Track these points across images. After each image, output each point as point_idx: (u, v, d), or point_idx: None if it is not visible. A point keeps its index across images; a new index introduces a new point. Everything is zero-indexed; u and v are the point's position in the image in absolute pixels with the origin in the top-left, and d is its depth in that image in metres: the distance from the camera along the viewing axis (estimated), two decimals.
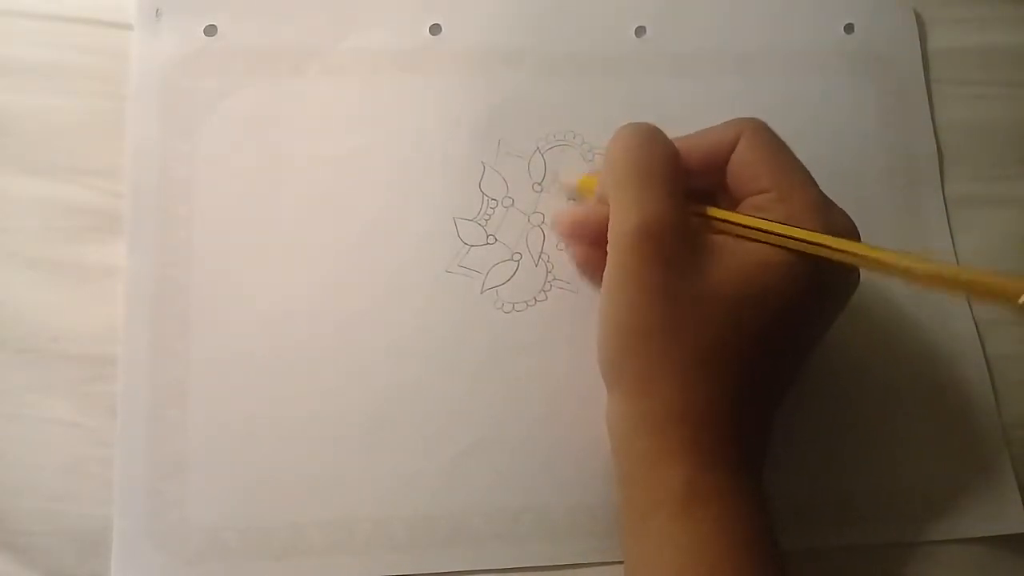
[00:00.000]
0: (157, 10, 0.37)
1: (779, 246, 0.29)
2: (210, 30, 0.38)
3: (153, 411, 0.33)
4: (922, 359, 0.36)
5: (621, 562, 0.32)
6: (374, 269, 0.35)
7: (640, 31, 0.40)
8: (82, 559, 0.32)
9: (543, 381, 0.35)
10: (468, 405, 0.34)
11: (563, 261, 0.36)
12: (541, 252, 0.36)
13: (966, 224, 0.39)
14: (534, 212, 0.37)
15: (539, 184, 0.37)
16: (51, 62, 0.37)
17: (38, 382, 0.34)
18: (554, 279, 0.36)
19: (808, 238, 0.28)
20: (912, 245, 0.38)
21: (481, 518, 0.33)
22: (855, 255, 0.28)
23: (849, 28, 0.40)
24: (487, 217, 0.36)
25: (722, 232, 0.30)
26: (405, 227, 0.36)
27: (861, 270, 0.30)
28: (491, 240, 0.36)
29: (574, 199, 0.37)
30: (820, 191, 0.30)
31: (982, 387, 0.36)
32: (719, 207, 0.30)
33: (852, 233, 0.30)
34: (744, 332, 0.28)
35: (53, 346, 0.34)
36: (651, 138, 0.31)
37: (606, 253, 0.30)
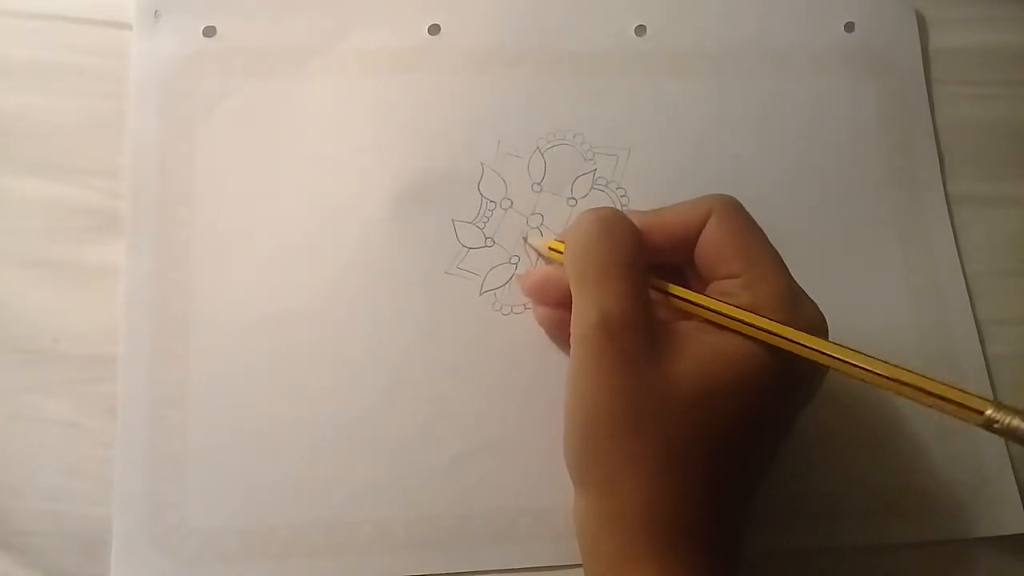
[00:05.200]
0: (156, 11, 0.37)
1: (742, 334, 0.28)
2: (209, 31, 0.38)
3: (153, 412, 0.33)
4: (922, 359, 0.36)
5: None
6: (373, 271, 0.35)
7: (640, 30, 0.39)
8: (82, 559, 0.32)
9: (542, 382, 0.35)
10: (467, 407, 0.34)
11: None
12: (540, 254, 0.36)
13: (967, 223, 0.39)
14: (533, 213, 0.37)
15: (539, 184, 0.37)
16: (51, 62, 0.37)
17: (38, 382, 0.34)
18: None
19: (770, 328, 0.27)
20: (914, 245, 0.38)
21: (480, 519, 0.33)
22: (818, 352, 0.27)
23: (849, 27, 0.40)
24: (486, 219, 0.36)
25: (686, 314, 0.29)
26: (404, 229, 0.36)
27: None
28: (490, 242, 0.36)
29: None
30: (790, 280, 0.29)
31: (982, 387, 0.36)
32: (687, 286, 0.30)
33: (820, 326, 0.29)
34: (710, 427, 0.27)
35: (53, 346, 0.34)
36: (610, 227, 0.30)
37: (569, 318, 0.30)
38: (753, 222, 0.30)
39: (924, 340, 0.37)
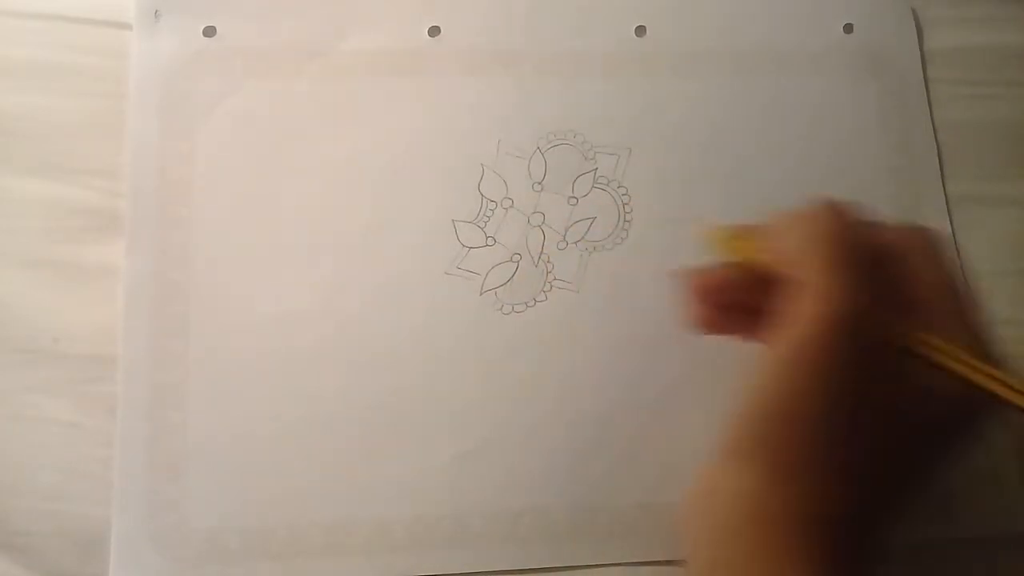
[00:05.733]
0: (156, 11, 0.38)
1: (973, 383, 0.27)
2: (209, 31, 0.38)
3: (152, 412, 0.33)
4: None
5: (621, 563, 0.32)
6: (373, 271, 0.35)
7: (640, 31, 0.40)
8: (81, 559, 0.32)
9: (543, 382, 0.35)
10: (468, 406, 0.34)
11: (563, 261, 0.36)
12: (541, 252, 0.36)
13: (967, 224, 0.39)
14: (534, 212, 0.37)
15: (539, 183, 0.37)
16: (51, 62, 0.37)
17: (38, 382, 0.34)
18: (554, 279, 0.36)
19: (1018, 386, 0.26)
20: None
21: (481, 519, 0.33)
22: None
23: (848, 28, 0.40)
24: (486, 219, 0.36)
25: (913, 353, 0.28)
26: (404, 229, 0.36)
27: None
28: (490, 242, 0.36)
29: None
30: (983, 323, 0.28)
31: None
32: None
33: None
34: (915, 455, 0.27)
35: (53, 346, 0.34)
36: (853, 222, 0.28)
37: (734, 318, 0.29)
38: (954, 262, 0.29)
39: None
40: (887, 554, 0.28)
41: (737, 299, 0.30)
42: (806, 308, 0.26)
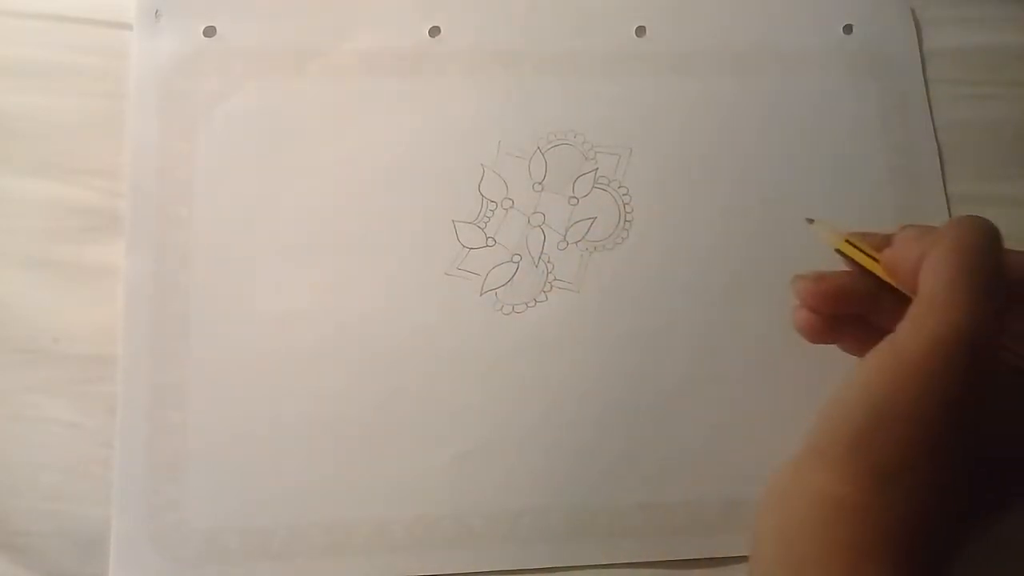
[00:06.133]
0: (156, 11, 0.38)
1: None
2: (209, 31, 0.38)
3: (153, 412, 0.33)
4: None
5: (622, 564, 0.32)
6: (373, 271, 0.35)
7: (640, 31, 0.40)
8: (81, 559, 0.32)
9: (543, 382, 0.35)
10: (468, 407, 0.34)
11: (563, 261, 0.36)
12: (541, 253, 0.36)
13: None
14: (534, 212, 0.37)
15: (540, 184, 0.37)
16: (51, 62, 0.37)
17: (38, 382, 0.34)
18: (554, 279, 0.36)
19: None
20: None
21: (481, 519, 0.33)
22: None
23: (848, 28, 0.40)
24: (487, 219, 0.36)
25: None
26: (404, 229, 0.36)
27: None
28: (490, 242, 0.36)
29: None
30: None
31: None
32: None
33: None
34: (1002, 476, 0.27)
35: (53, 346, 0.34)
36: (997, 243, 0.28)
37: (842, 327, 0.29)
38: None
39: None
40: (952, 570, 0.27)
41: (850, 309, 0.30)
42: (930, 318, 0.26)
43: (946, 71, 0.41)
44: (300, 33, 0.38)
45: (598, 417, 0.34)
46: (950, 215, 0.39)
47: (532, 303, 0.35)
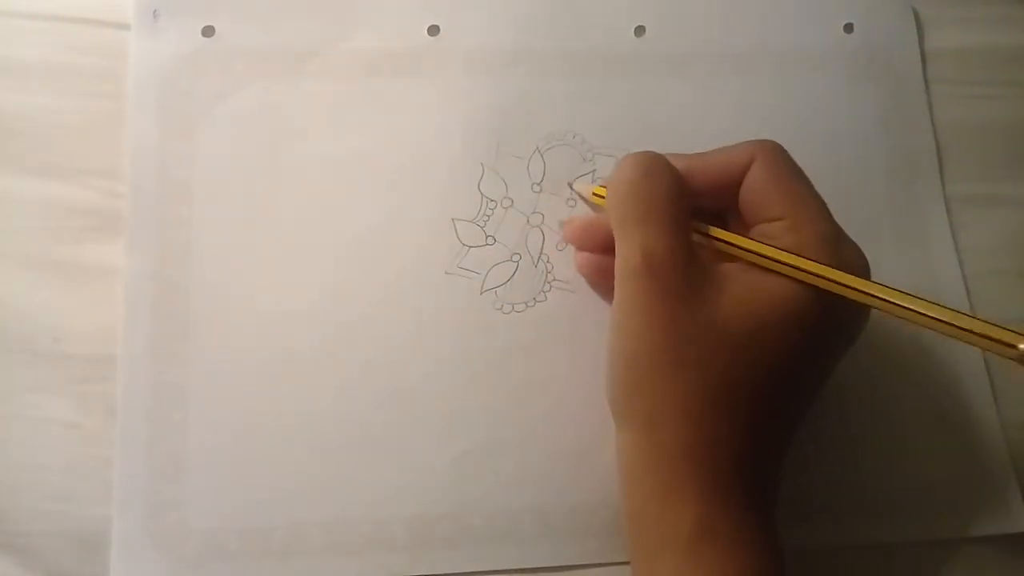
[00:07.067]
0: (155, 11, 0.37)
1: (786, 276, 0.28)
2: (208, 31, 0.38)
3: (153, 411, 0.33)
4: (922, 359, 0.36)
5: (622, 563, 0.32)
6: (373, 270, 0.35)
7: (640, 31, 0.39)
8: (82, 559, 0.32)
9: (543, 382, 0.35)
10: (468, 406, 0.34)
11: (563, 261, 0.36)
12: (541, 253, 0.36)
13: (966, 224, 0.39)
14: (533, 212, 0.37)
15: (538, 184, 0.37)
16: (51, 62, 0.37)
17: (38, 382, 0.34)
18: (554, 279, 0.36)
19: (816, 270, 0.28)
20: (912, 245, 0.38)
21: (481, 519, 0.33)
22: (862, 292, 0.27)
23: (848, 28, 0.40)
24: (486, 218, 0.36)
25: (729, 256, 0.30)
26: (404, 228, 0.36)
27: None
28: (490, 241, 0.36)
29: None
30: (834, 223, 0.30)
31: (982, 387, 0.36)
32: (730, 230, 0.30)
33: (863, 269, 0.29)
34: (754, 366, 0.28)
35: (53, 346, 0.34)
36: (652, 169, 0.30)
37: (611, 264, 0.30)
38: (796, 167, 0.31)
39: (924, 341, 0.37)
40: (777, 484, 0.30)
41: (604, 244, 0.33)
42: (616, 265, 0.29)
43: (946, 71, 0.41)
44: (299, 33, 0.38)
45: (598, 417, 0.34)
46: (949, 215, 0.39)
47: (532, 303, 0.35)
